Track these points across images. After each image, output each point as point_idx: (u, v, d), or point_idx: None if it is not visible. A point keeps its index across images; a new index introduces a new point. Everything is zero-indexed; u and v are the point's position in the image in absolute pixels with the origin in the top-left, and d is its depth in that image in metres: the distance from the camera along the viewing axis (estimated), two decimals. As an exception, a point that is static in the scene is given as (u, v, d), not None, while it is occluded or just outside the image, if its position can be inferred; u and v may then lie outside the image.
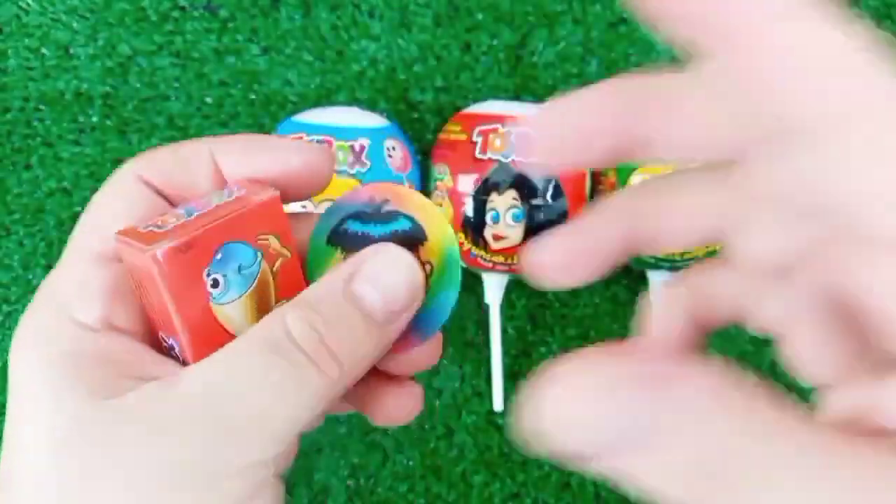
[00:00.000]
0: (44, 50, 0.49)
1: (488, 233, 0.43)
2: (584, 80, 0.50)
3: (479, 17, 0.49)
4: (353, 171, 0.41)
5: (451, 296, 0.20)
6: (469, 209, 0.42)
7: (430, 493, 0.49)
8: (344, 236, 0.21)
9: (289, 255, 0.22)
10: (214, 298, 0.20)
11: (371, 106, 0.49)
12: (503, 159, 0.42)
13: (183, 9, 0.49)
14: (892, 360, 0.14)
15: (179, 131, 0.49)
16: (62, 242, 0.50)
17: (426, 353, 0.22)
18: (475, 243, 0.43)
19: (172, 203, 0.22)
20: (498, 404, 0.48)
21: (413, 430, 0.49)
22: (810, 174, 0.13)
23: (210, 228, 0.20)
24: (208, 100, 0.49)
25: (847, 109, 0.12)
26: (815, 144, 0.12)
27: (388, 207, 0.21)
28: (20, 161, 0.49)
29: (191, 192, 0.22)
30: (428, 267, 0.20)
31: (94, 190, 0.49)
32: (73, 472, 0.17)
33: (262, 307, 0.21)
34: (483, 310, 0.49)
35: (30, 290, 0.49)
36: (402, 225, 0.20)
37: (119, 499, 0.16)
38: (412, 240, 0.20)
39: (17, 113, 0.49)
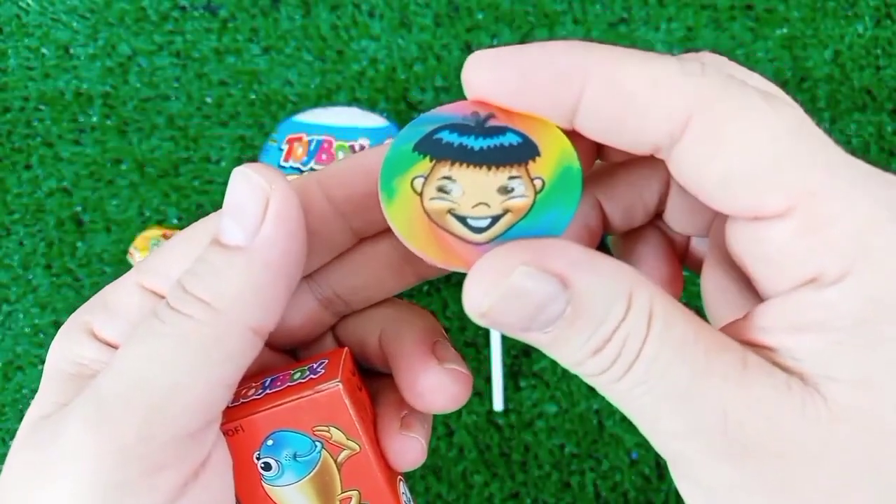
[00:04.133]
0: (44, 50, 0.49)
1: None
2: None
3: (479, 16, 0.49)
4: (353, 171, 0.41)
5: (561, 217, 0.17)
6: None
7: (430, 493, 0.49)
8: (436, 145, 0.18)
9: (358, 448, 0.21)
10: (268, 479, 0.20)
11: (371, 106, 0.49)
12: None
13: (183, 9, 0.49)
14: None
15: (179, 131, 0.49)
16: (62, 242, 0.50)
17: (448, 390, 0.20)
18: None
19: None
20: (498, 404, 0.48)
21: (413, 430, 0.50)
22: (686, 169, 0.16)
23: (261, 415, 0.20)
24: (208, 99, 0.49)
25: (688, 114, 0.15)
26: (680, 149, 0.15)
27: (493, 122, 0.18)
28: (20, 161, 0.49)
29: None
30: (538, 182, 0.17)
31: (94, 190, 0.49)
32: (19, 471, 0.17)
33: (324, 495, 0.21)
34: (483, 310, 0.49)
35: (30, 289, 0.49)
36: (509, 139, 0.17)
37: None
38: (522, 154, 0.17)
39: (17, 113, 0.49)
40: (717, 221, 0.20)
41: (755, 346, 0.16)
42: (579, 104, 0.16)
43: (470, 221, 0.17)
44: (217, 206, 0.49)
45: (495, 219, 0.17)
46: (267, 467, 0.20)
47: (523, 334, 0.16)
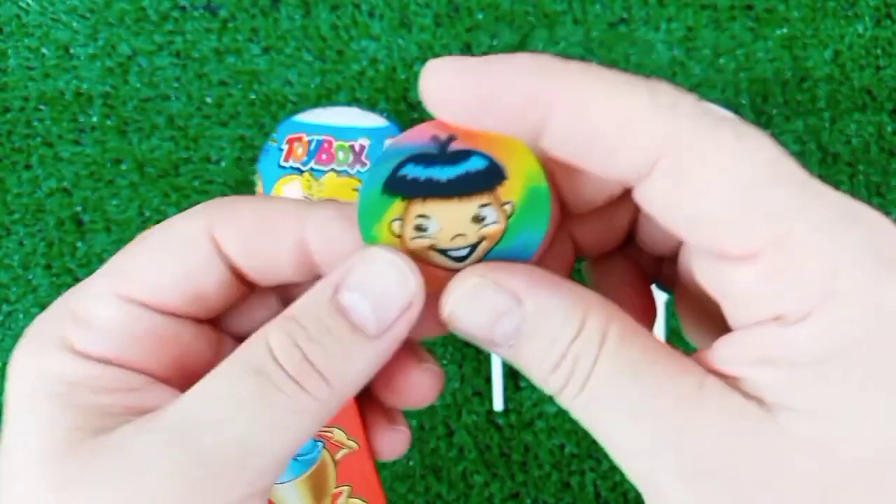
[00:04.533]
0: (44, 50, 0.49)
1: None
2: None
3: (479, 16, 0.49)
4: (353, 172, 0.41)
5: (533, 238, 0.18)
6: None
7: (430, 493, 0.49)
8: (404, 182, 0.18)
9: (356, 446, 0.22)
10: None
11: (371, 106, 0.49)
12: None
13: (183, 9, 0.49)
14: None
15: (179, 131, 0.49)
16: (62, 242, 0.50)
17: (424, 389, 0.21)
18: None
19: (240, 278, 0.19)
20: (498, 404, 0.48)
21: (413, 430, 0.49)
22: (653, 204, 0.16)
23: None
24: (208, 99, 0.49)
25: (657, 154, 0.15)
26: (648, 184, 0.15)
27: (456, 146, 0.18)
28: (20, 161, 0.49)
29: (267, 266, 0.19)
30: (508, 207, 0.18)
31: (94, 190, 0.49)
32: None
33: (318, 491, 0.22)
34: (483, 310, 0.49)
35: (30, 289, 0.49)
36: (475, 164, 0.18)
37: None
38: (489, 180, 0.18)
39: (17, 113, 0.49)
40: (684, 247, 0.20)
41: (719, 375, 0.16)
42: (545, 128, 0.16)
43: (451, 253, 0.18)
44: (217, 206, 0.49)
45: (473, 247, 0.18)
46: None
47: (492, 348, 0.17)
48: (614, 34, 0.50)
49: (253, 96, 0.49)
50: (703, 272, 0.17)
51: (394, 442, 0.22)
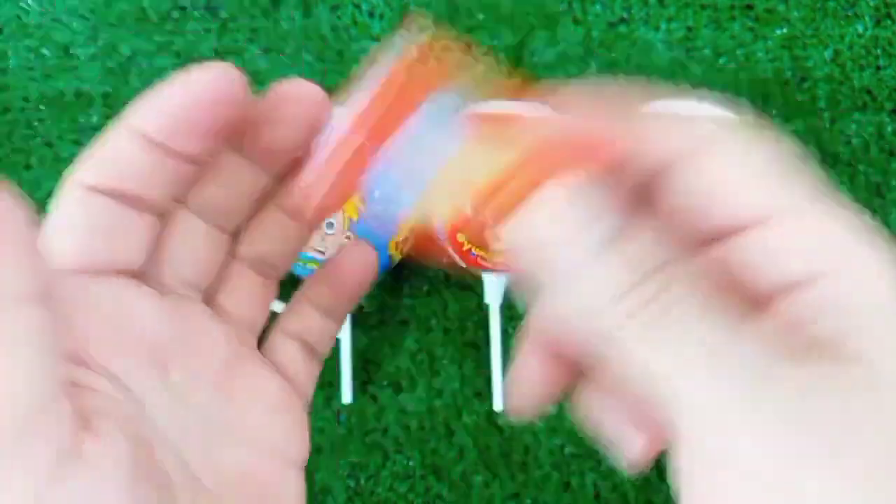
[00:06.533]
0: (44, 50, 0.49)
1: (488, 233, 0.43)
2: (584, 80, 0.50)
3: (480, 17, 0.49)
4: (353, 172, 0.41)
5: None
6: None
7: (430, 493, 0.49)
8: None
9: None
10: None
11: (371, 106, 0.49)
12: (503, 159, 0.42)
13: (183, 9, 0.49)
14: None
15: (179, 131, 0.49)
16: (62, 242, 0.50)
17: None
18: (476, 243, 0.43)
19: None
20: (498, 404, 0.48)
21: (413, 430, 0.49)
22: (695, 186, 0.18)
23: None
24: (208, 100, 0.49)
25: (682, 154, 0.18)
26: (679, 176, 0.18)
27: None
28: (20, 161, 0.49)
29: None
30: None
31: (95, 190, 0.49)
32: None
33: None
34: (483, 310, 0.49)
35: (30, 290, 0.49)
36: None
37: None
38: None
39: (18, 113, 0.49)
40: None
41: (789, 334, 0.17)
42: None
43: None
44: (217, 206, 0.49)
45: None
46: None
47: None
48: (614, 34, 0.50)
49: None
50: (749, 249, 0.17)
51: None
